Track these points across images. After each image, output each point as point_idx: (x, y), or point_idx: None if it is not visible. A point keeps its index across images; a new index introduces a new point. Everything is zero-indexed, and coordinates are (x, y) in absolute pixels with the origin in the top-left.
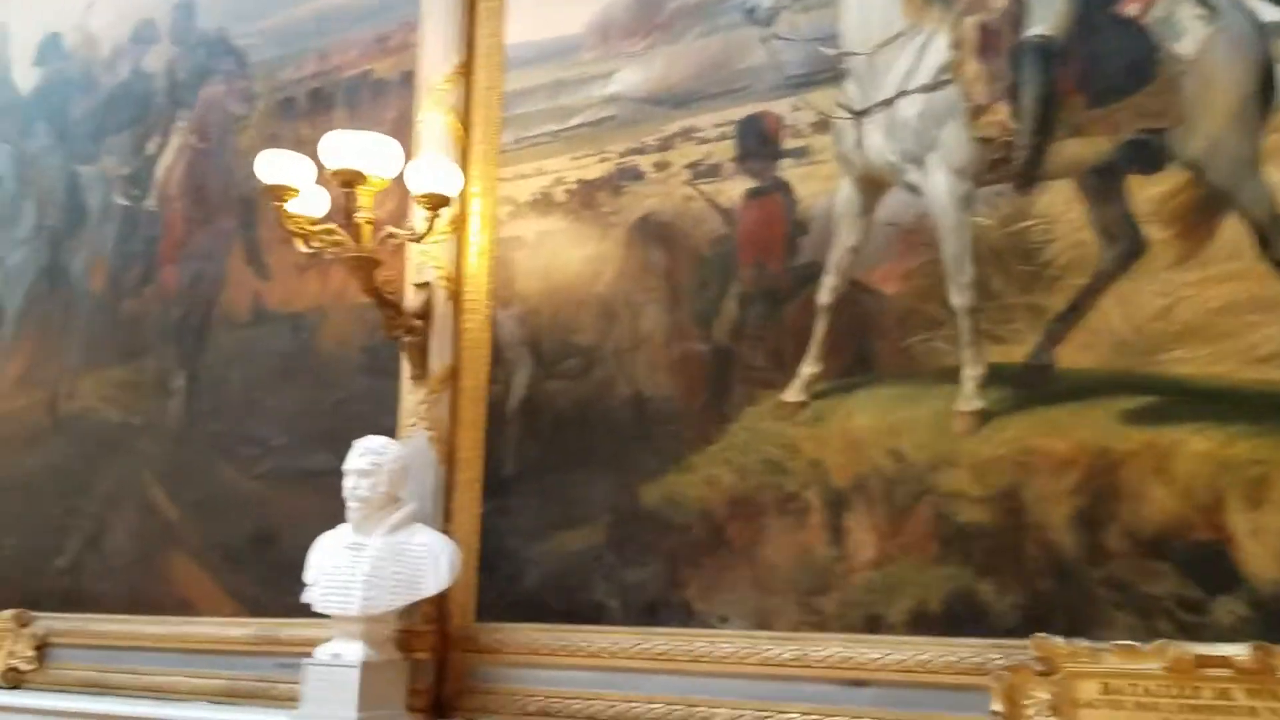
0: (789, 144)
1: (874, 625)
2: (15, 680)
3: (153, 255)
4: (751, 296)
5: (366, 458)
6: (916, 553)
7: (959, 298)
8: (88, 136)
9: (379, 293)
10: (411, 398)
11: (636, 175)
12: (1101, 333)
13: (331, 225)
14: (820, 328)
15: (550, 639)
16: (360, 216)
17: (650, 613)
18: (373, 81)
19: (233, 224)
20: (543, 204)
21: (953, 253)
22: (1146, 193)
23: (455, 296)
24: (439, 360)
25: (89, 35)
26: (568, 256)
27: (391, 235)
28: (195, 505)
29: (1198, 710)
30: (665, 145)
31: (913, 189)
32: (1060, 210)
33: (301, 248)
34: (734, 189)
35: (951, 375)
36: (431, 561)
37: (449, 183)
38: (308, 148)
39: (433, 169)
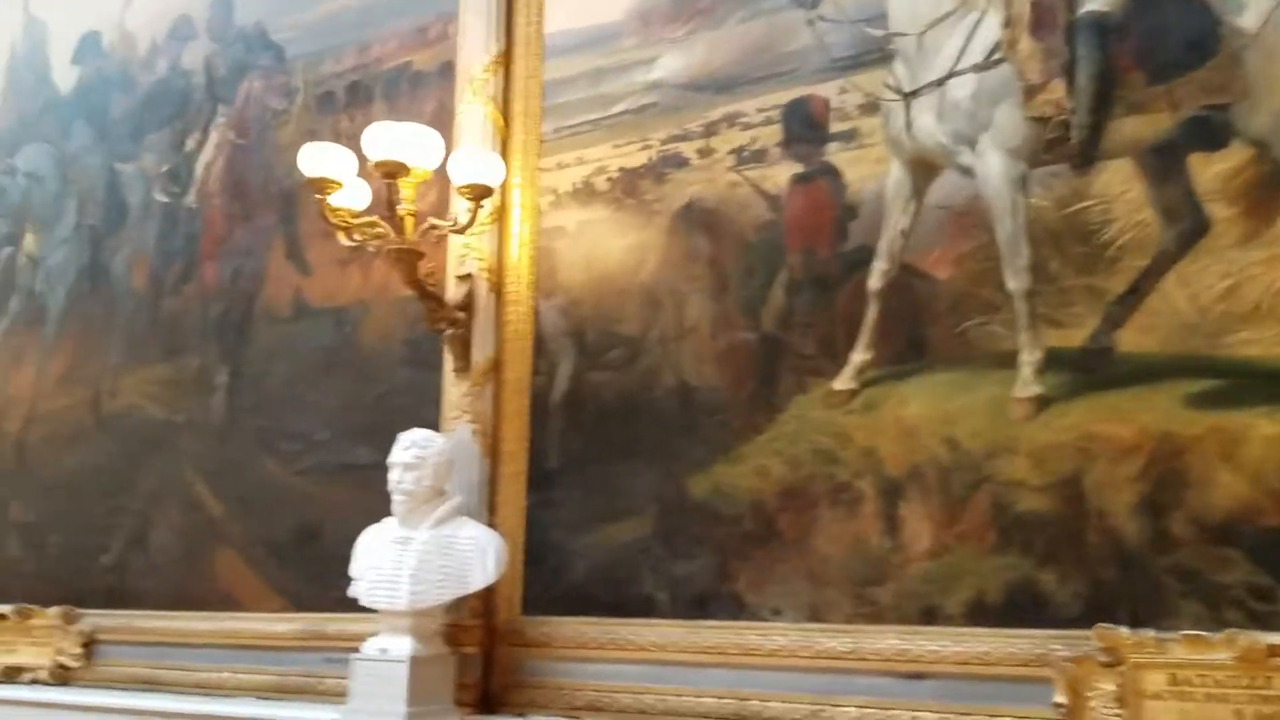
0: (836, 127)
1: (931, 617)
2: (63, 677)
3: (193, 252)
4: (800, 283)
5: (411, 451)
6: (974, 542)
7: (1015, 281)
8: (127, 134)
9: (421, 285)
10: (454, 391)
11: (680, 162)
12: (1164, 315)
13: (374, 218)
14: (871, 314)
15: (598, 632)
16: (403, 208)
17: (700, 606)
18: (412, 73)
19: (273, 219)
20: (584, 193)
21: (1008, 235)
22: (1209, 170)
23: (497, 288)
24: (481, 352)
25: (127, 33)
26: (610, 246)
27: (434, 227)
28: (239, 501)
29: (1269, 701)
30: (709, 131)
31: (965, 171)
32: (1119, 190)
33: (344, 241)
34: (780, 174)
35: (1008, 361)
36: (478, 555)
37: (491, 173)
38: (347, 142)
39: (475, 159)
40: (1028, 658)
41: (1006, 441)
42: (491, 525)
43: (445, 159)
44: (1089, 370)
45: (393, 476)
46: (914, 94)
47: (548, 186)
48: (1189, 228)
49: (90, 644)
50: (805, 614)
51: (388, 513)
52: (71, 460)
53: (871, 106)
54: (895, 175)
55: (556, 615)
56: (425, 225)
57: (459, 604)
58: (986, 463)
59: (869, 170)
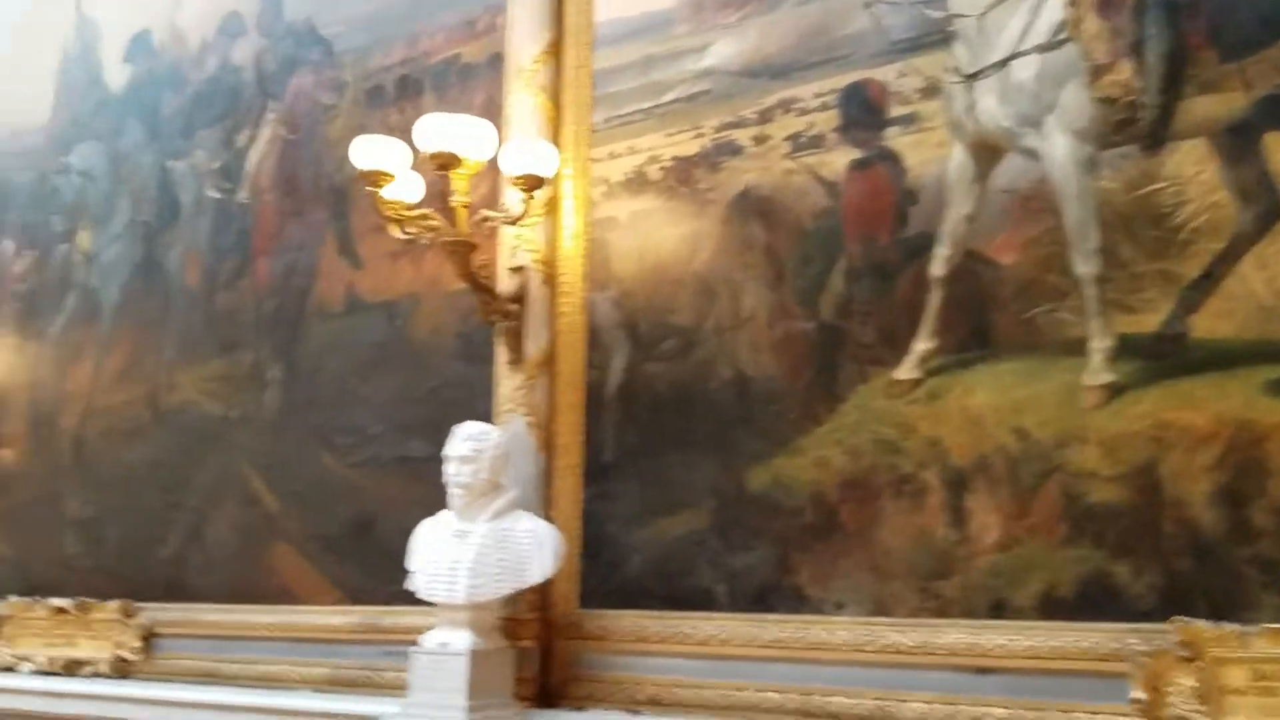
0: (895, 111)
1: (1000, 610)
2: (123, 670)
3: (246, 248)
4: (859, 271)
5: (468, 444)
6: (1044, 534)
7: (1084, 266)
8: (178, 132)
9: (475, 278)
10: (508, 383)
11: (734, 150)
12: (1240, 299)
13: (427, 210)
14: (934, 301)
15: (657, 626)
16: (456, 200)
17: (760, 599)
18: (461, 66)
19: (324, 214)
20: (636, 183)
21: (1076, 219)
22: None
23: (550, 280)
24: (535, 345)
25: (177, 31)
26: (663, 236)
27: (487, 219)
28: (294, 495)
29: None
30: (764, 118)
31: (1030, 154)
32: (1191, 171)
33: (396, 234)
34: (838, 160)
35: (1078, 348)
36: (536, 548)
37: (545, 163)
38: (397, 135)
39: (528, 150)
40: (1102, 652)
41: (1077, 430)
42: (547, 518)
43: (496, 151)
44: (1162, 357)
45: (449, 469)
46: (976, 76)
47: (599, 177)
48: (1266, 209)
49: (149, 637)
50: (869, 608)
51: (442, 506)
52: (129, 455)
53: (932, 90)
54: (957, 159)
55: (614, 609)
56: (478, 217)
57: (516, 597)
58: (1056, 452)
59: (930, 155)
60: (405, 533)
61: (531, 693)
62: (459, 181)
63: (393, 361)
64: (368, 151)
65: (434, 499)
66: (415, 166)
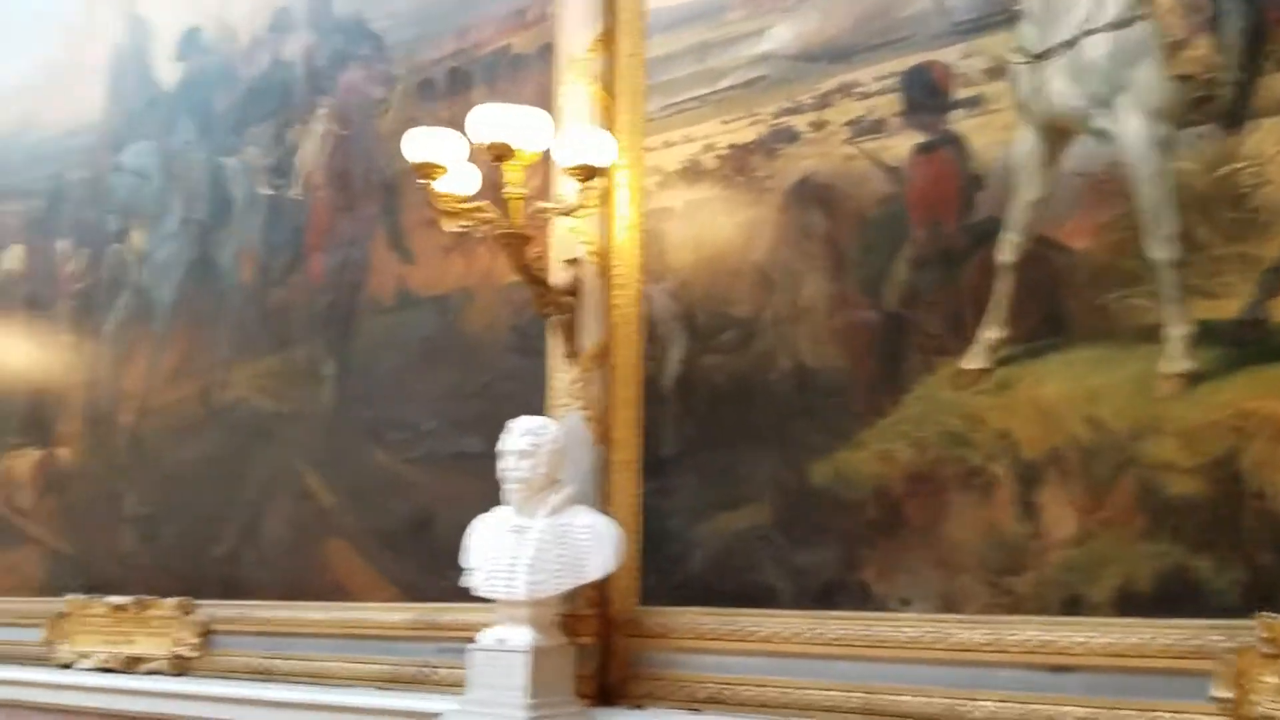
0: (960, 94)
1: (1074, 607)
2: (181, 667)
3: (298, 244)
4: (924, 258)
5: (525, 438)
6: (1120, 528)
7: (1160, 251)
8: (230, 129)
9: (529, 270)
10: (563, 377)
11: (792, 136)
12: None
13: (481, 202)
14: (1002, 289)
15: (718, 623)
16: (510, 192)
17: (824, 596)
18: (511, 57)
19: (376, 209)
20: (692, 172)
21: (1151, 202)
22: None
23: (604, 272)
24: (590, 338)
25: (227, 27)
26: (720, 225)
27: (542, 210)
28: (349, 491)
29: None
30: (822, 103)
31: (1102, 135)
32: (1272, 150)
33: (449, 227)
34: (900, 145)
35: (1154, 335)
36: (596, 544)
37: (601, 153)
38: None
39: (584, 139)
40: (1184, 649)
41: (1154, 421)
42: (604, 514)
43: (550, 141)
44: (1243, 343)
45: (506, 464)
46: (1044, 56)
47: (654, 166)
48: None
49: (207, 634)
50: (937, 604)
51: (497, 501)
52: (184, 453)
53: (997, 71)
54: (1025, 142)
55: (674, 605)
56: (532, 209)
57: (574, 594)
58: (1132, 444)
59: (996, 138)
60: (460, 529)
61: (590, 690)
62: (513, 173)
63: (445, 356)
64: (420, 144)
65: (488, 494)
66: (468, 158)
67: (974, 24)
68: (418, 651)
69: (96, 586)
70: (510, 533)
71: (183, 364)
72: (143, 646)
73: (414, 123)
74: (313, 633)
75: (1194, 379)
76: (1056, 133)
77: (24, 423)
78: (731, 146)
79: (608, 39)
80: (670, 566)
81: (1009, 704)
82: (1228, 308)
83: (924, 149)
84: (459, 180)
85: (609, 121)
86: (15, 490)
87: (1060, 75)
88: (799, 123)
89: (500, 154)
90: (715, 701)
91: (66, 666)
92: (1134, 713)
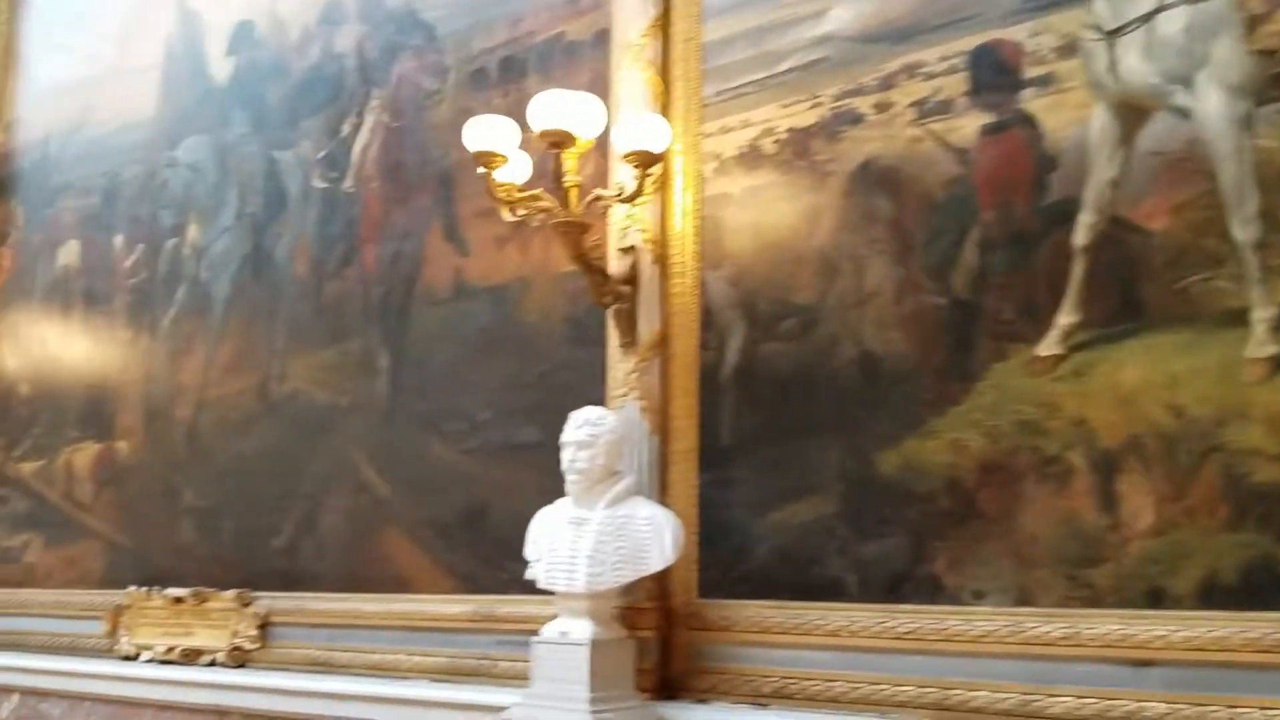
0: (1030, 73)
1: (1156, 599)
2: (240, 659)
3: (353, 236)
4: (994, 242)
5: (584, 429)
6: (1204, 518)
7: (1243, 231)
8: (283, 122)
9: (587, 259)
10: (620, 367)
11: (854, 119)
12: None
13: (538, 191)
14: (1078, 272)
15: (783, 616)
16: (568, 180)
17: (893, 589)
18: (565, 44)
19: (430, 200)
20: (750, 157)
21: (1232, 181)
22: None
23: (661, 260)
24: (647, 327)
25: (279, 21)
26: (780, 211)
27: (599, 198)
28: (406, 483)
29: None
30: (886, 84)
31: (1181, 112)
32: None
33: (507, 217)
34: (968, 126)
35: (1237, 318)
36: (656, 536)
37: (658, 139)
38: None
39: (641, 126)
40: (1269, 643)
41: (1239, 406)
42: (663, 505)
43: (605, 128)
44: None
45: (565, 456)
46: (1118, 32)
47: (711, 152)
48: None
49: (265, 626)
50: (1012, 597)
51: (555, 492)
52: (242, 445)
53: (1069, 48)
54: (1100, 121)
55: (735, 598)
56: (590, 196)
57: (633, 586)
58: (1216, 430)
59: (1069, 117)
60: (516, 520)
61: (651, 684)
62: (570, 161)
63: (501, 347)
64: (481, 133)
65: (547, 485)
66: (521, 146)
67: (1043, 1)
68: (476, 644)
69: (155, 579)
70: (570, 525)
71: (239, 357)
72: (202, 638)
73: (467, 113)
74: (371, 624)
75: None
76: (1132, 111)
77: (82, 417)
78: (791, 130)
79: (663, 24)
80: (731, 558)
81: (1087, 700)
82: None
83: (993, 129)
84: (515, 169)
85: (665, 108)
86: (75, 484)
87: (1135, 51)
88: (862, 105)
89: (559, 141)
90: (781, 696)
91: (128, 659)
92: (1218, 709)
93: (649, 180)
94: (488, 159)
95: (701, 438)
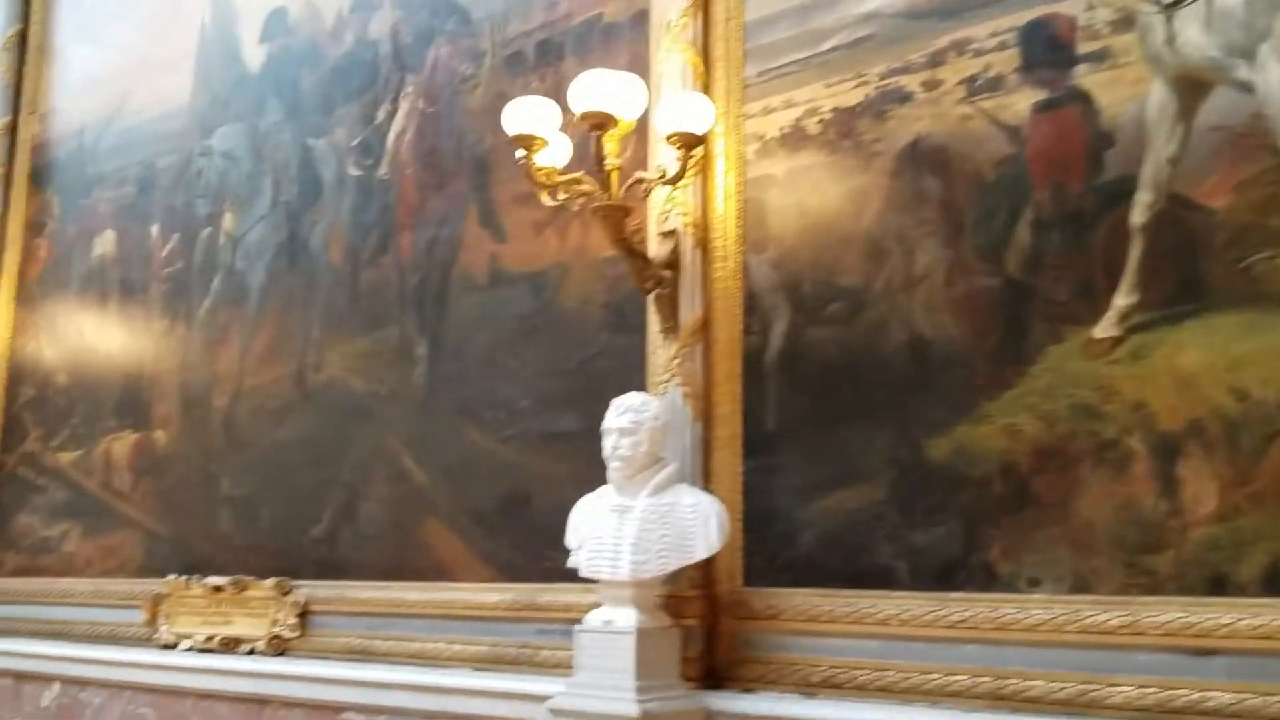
0: (1085, 48)
1: (1220, 587)
2: (280, 647)
3: (389, 223)
4: (1048, 222)
5: (627, 416)
6: (1270, 503)
7: None
8: (317, 109)
9: (628, 243)
10: (662, 353)
11: (902, 97)
12: None
13: (579, 174)
14: (1136, 252)
15: (831, 605)
16: (610, 163)
17: (945, 577)
18: (603, 26)
19: (466, 186)
20: (794, 138)
21: None
22: None
23: (703, 244)
24: (689, 312)
25: (313, 7)
26: (826, 193)
27: (640, 181)
28: (444, 471)
29: None
30: (935, 61)
31: (1243, 87)
32: None
33: (547, 201)
34: (1020, 103)
35: None
36: (700, 524)
37: (701, 119)
38: None
39: (684, 106)
40: None
41: None
42: (706, 492)
43: (645, 110)
44: None
45: (608, 443)
46: (1176, 5)
47: (753, 133)
48: None
49: (304, 615)
50: (1068, 585)
51: (594, 480)
52: (279, 434)
53: (1125, 22)
54: (1158, 96)
55: (782, 586)
56: (631, 179)
57: (677, 574)
58: None
59: (1126, 93)
60: (557, 508)
61: (696, 673)
62: (611, 143)
63: (540, 334)
64: (520, 115)
65: (587, 473)
66: (559, 129)
67: None
68: (517, 632)
69: (194, 568)
70: (612, 512)
71: (276, 346)
72: (241, 627)
73: (503, 98)
74: (411, 613)
75: None
76: (1191, 85)
77: (120, 406)
78: (836, 110)
79: (703, 3)
80: (776, 546)
81: (1148, 689)
82: None
83: (1046, 106)
84: (555, 152)
85: (706, 89)
86: (113, 473)
87: (1194, 24)
88: (910, 83)
89: (600, 123)
90: (830, 685)
91: (168, 647)
92: None
93: (691, 162)
94: (527, 142)
95: (745, 424)
